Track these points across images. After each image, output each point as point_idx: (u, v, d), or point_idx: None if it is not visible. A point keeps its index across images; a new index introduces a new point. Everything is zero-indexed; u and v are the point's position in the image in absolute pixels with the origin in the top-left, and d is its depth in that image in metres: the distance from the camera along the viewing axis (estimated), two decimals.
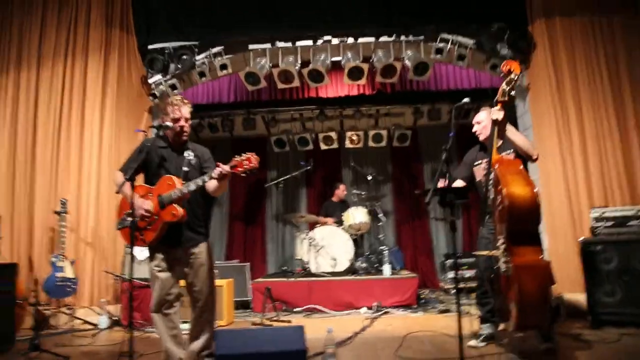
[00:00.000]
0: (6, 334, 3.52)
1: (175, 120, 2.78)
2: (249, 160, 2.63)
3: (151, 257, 2.77)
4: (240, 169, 2.62)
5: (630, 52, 4.57)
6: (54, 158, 4.86)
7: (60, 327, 4.33)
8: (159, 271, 2.73)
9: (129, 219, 2.61)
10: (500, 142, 2.97)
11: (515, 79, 2.92)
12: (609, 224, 3.79)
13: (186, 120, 2.83)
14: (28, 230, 4.68)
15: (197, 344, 2.80)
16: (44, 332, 4.03)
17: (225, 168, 2.60)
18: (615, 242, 3.67)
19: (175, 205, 2.67)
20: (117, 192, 2.71)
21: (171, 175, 2.73)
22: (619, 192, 4.32)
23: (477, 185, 3.22)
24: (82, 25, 5.15)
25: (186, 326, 2.85)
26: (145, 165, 2.79)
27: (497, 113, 2.84)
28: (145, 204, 2.67)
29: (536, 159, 2.96)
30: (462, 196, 2.53)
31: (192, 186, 2.66)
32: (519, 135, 2.97)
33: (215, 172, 2.60)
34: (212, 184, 2.70)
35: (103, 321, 4.24)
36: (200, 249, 2.84)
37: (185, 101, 2.85)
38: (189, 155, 2.85)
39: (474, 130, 3.24)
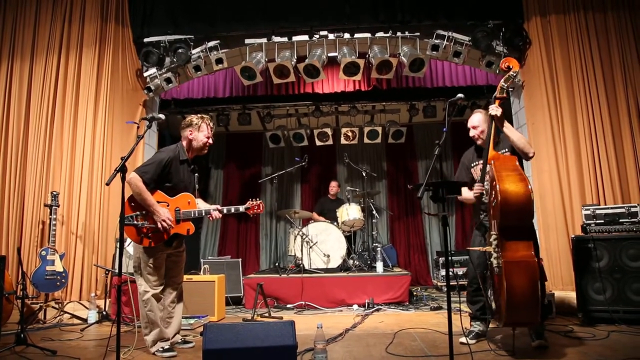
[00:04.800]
0: None
1: (207, 137, 3.18)
2: (258, 206, 3.19)
3: (149, 255, 3.02)
4: (251, 212, 3.19)
5: (624, 49, 4.57)
6: (46, 151, 4.83)
7: (49, 321, 4.29)
8: (154, 267, 3.03)
9: (142, 222, 2.94)
10: (498, 140, 2.98)
11: (514, 75, 2.97)
12: (601, 221, 3.80)
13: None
14: (18, 223, 4.65)
15: (174, 326, 3.16)
16: (31, 326, 4.00)
17: (241, 209, 3.15)
18: (606, 239, 3.68)
19: (191, 223, 3.07)
20: (135, 194, 2.94)
21: (191, 194, 3.11)
22: (610, 189, 4.33)
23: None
24: (77, 18, 5.11)
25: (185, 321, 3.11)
26: (162, 174, 3.04)
27: (496, 109, 2.89)
28: (170, 215, 2.98)
29: (532, 157, 2.97)
30: (454, 191, 2.51)
31: (211, 211, 3.08)
32: (516, 133, 2.98)
33: (233, 209, 3.15)
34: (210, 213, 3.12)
35: (92, 315, 4.20)
36: (184, 247, 3.29)
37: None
38: (194, 170, 3.24)
39: (470, 135, 3.21)
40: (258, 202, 3.21)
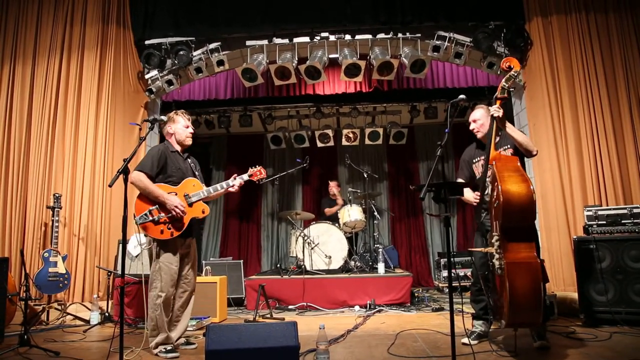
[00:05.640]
0: None
1: (186, 127, 3.25)
2: (260, 172, 3.28)
3: (165, 250, 3.04)
4: (254, 178, 3.26)
5: (625, 50, 4.57)
6: (48, 152, 4.84)
7: (51, 322, 4.30)
8: (170, 265, 3.05)
9: (159, 214, 2.98)
10: (498, 138, 2.98)
11: (515, 75, 2.97)
12: (603, 222, 3.79)
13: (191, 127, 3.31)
14: (21, 225, 4.66)
15: (180, 330, 3.15)
16: (34, 328, 4.02)
17: (245, 177, 3.21)
18: (608, 240, 3.67)
19: (203, 203, 3.12)
20: (141, 190, 3.01)
21: (193, 178, 3.17)
22: (612, 190, 4.33)
23: (476, 183, 3.22)
24: (79, 21, 5.13)
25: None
26: (159, 165, 3.10)
27: (497, 110, 2.88)
28: (180, 202, 3.02)
29: (535, 155, 2.99)
30: (456, 192, 2.51)
31: (218, 188, 3.17)
32: (518, 132, 3.00)
33: (238, 180, 3.20)
34: (220, 190, 3.20)
35: (94, 317, 4.21)
36: (195, 252, 3.29)
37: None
38: (191, 161, 3.30)
39: (471, 128, 3.25)
40: (258, 167, 3.28)
